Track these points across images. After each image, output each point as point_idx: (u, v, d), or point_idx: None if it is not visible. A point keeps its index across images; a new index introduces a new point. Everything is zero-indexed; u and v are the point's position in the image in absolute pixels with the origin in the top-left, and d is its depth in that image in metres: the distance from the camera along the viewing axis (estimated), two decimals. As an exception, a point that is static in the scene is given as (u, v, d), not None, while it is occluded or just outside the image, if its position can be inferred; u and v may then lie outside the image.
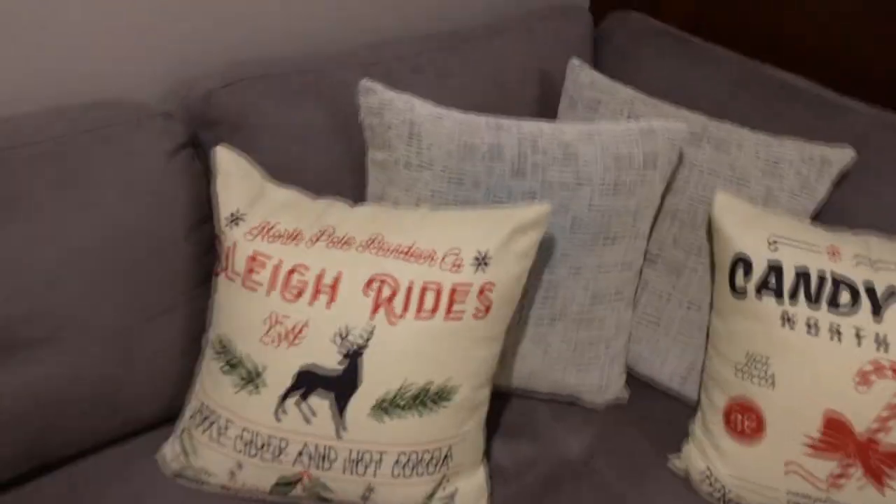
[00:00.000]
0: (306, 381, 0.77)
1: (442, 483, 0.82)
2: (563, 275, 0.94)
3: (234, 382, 0.79)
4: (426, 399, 0.77)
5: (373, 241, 0.80)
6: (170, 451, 0.84)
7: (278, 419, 0.77)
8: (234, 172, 0.87)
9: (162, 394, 0.90)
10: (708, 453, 0.90)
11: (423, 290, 0.78)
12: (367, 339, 0.77)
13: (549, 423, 1.02)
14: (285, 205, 0.86)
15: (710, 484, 0.90)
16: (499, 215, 0.83)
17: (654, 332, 1.04)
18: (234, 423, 0.79)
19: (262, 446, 0.77)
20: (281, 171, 0.93)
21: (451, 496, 0.83)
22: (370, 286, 0.78)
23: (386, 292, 0.78)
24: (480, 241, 0.80)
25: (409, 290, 0.78)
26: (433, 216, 0.84)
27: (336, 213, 0.85)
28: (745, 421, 0.86)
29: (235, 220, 0.84)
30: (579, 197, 0.91)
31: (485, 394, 0.84)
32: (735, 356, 0.88)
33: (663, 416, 1.03)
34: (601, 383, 1.01)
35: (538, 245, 0.84)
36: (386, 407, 0.77)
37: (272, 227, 0.82)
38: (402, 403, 0.77)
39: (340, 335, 0.77)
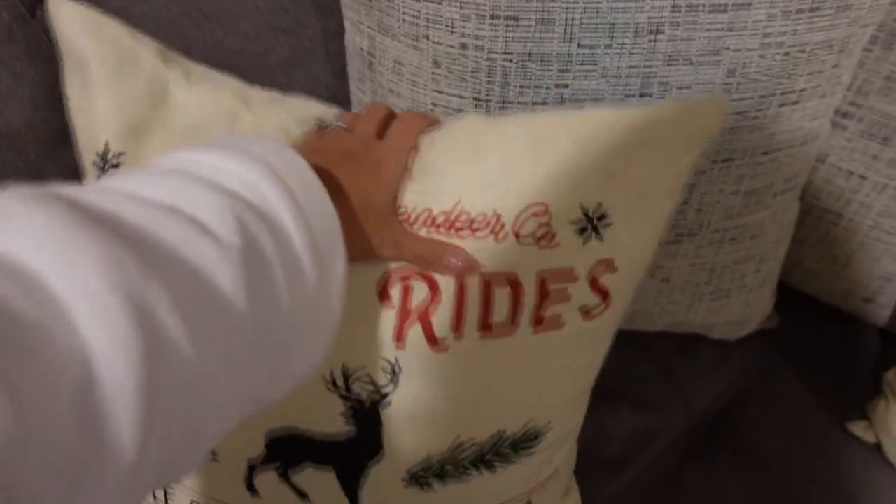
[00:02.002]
0: (286, 453, 0.43)
1: None
2: (703, 166, 0.55)
3: None
4: (498, 452, 0.43)
5: None
6: None
7: (255, 493, 0.45)
8: (96, 58, 0.42)
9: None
10: (928, 436, 0.58)
11: (487, 288, 0.39)
12: (391, 388, 0.40)
13: (661, 370, 0.69)
14: (209, 125, 0.42)
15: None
16: (621, 121, 0.39)
17: (829, 230, 0.66)
18: (177, 491, 0.47)
19: None
20: (184, 26, 0.50)
21: None
22: (389, 290, 0.39)
23: (418, 298, 0.39)
24: (586, 183, 0.39)
25: (461, 290, 0.39)
26: (491, 132, 0.41)
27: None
28: None
29: (108, 164, 0.42)
30: (745, 25, 0.48)
31: (585, 406, 0.50)
32: None
33: (830, 349, 0.70)
34: (742, 316, 0.66)
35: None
36: (431, 474, 0.43)
37: None
38: (458, 462, 0.43)
39: (335, 381, 0.40)
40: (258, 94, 0.45)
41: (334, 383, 0.40)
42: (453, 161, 0.39)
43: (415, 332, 0.39)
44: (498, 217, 0.38)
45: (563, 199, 0.38)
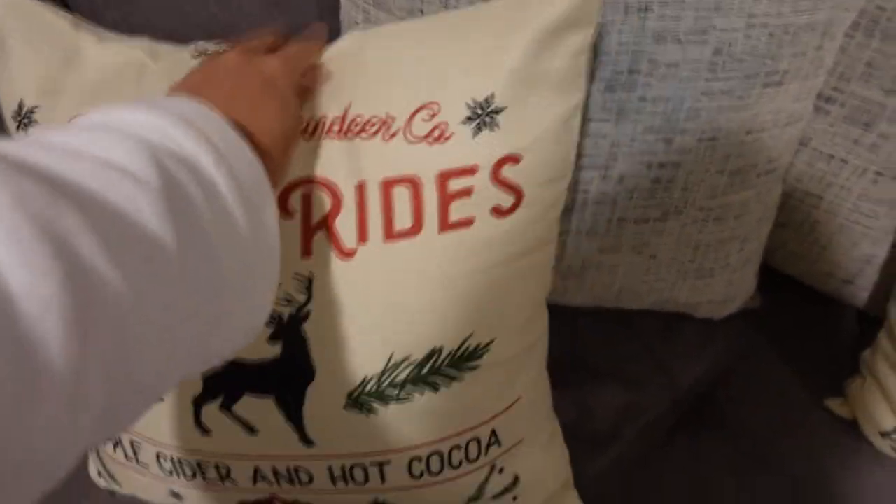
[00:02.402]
0: (222, 385, 0.44)
1: (490, 476, 0.52)
2: (689, 145, 0.56)
3: None
4: (438, 369, 0.44)
5: None
6: (93, 469, 0.56)
7: (205, 432, 0.46)
8: (11, 30, 0.45)
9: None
10: (904, 411, 0.59)
11: (387, 191, 0.40)
12: (307, 299, 0.42)
13: (646, 347, 0.71)
14: (119, 75, 0.45)
15: (901, 451, 0.61)
16: (498, 15, 0.42)
17: (811, 213, 0.68)
18: (143, 445, 0.48)
19: (194, 474, 0.48)
20: (179, 1, 0.51)
21: (510, 487, 0.54)
22: (288, 202, 0.41)
23: (320, 208, 0.41)
24: (473, 78, 0.41)
25: (361, 195, 0.40)
26: (374, 43, 0.43)
27: None
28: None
29: (23, 118, 0.45)
30: (731, 6, 0.50)
31: (538, 329, 0.51)
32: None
33: (811, 329, 0.72)
34: (726, 295, 0.68)
35: (589, 52, 0.43)
36: (370, 396, 0.44)
37: None
38: (396, 383, 0.44)
39: None
40: (167, 48, 0.47)
41: None
42: (341, 70, 0.41)
43: (321, 243, 0.40)
44: (391, 118, 0.40)
45: (452, 92, 0.40)
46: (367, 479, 0.48)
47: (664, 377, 0.69)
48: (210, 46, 0.42)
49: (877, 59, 0.59)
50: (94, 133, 0.25)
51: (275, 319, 0.43)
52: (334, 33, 0.61)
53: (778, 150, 0.59)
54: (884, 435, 0.61)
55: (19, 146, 0.23)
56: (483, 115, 0.40)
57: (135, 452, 0.49)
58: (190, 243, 0.25)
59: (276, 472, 0.48)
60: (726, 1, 0.49)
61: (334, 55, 0.43)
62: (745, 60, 0.52)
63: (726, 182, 0.59)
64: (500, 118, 0.40)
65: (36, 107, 0.44)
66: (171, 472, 0.49)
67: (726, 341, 0.71)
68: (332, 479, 0.48)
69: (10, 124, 0.46)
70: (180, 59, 0.45)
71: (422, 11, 0.51)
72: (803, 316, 0.73)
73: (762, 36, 0.51)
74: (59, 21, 0.46)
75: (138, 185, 0.24)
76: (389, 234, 0.41)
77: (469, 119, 0.40)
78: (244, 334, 0.31)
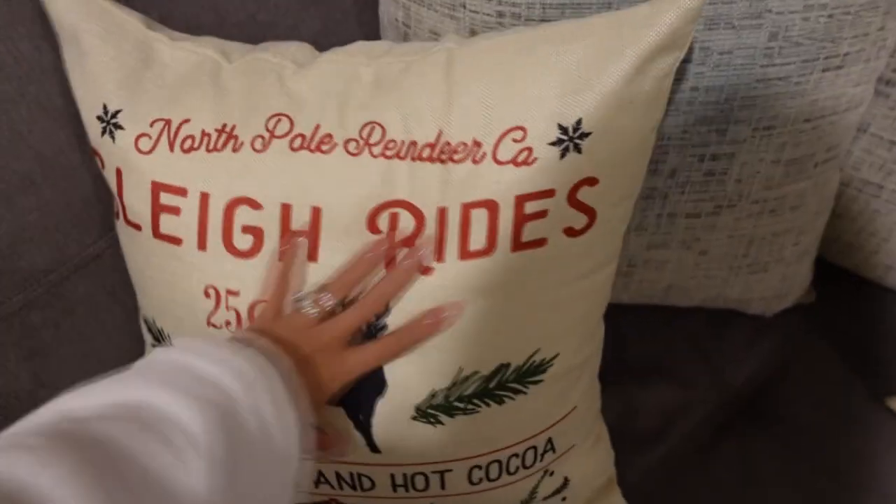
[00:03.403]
0: None
1: (543, 479, 0.52)
2: (744, 135, 0.54)
3: None
4: (504, 384, 0.44)
5: (370, 134, 0.41)
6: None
7: None
8: (86, 30, 0.45)
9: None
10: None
11: (466, 214, 0.40)
12: (385, 312, 0.42)
13: (695, 345, 0.69)
14: (196, 75, 0.44)
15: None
16: (594, 34, 0.40)
17: (870, 202, 0.65)
18: None
19: None
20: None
21: (560, 489, 0.54)
22: (376, 221, 0.41)
23: (405, 227, 0.41)
24: (564, 101, 0.39)
25: (442, 219, 0.40)
26: (465, 61, 0.42)
27: (294, 79, 0.43)
28: None
29: (109, 124, 0.44)
30: (788, -13, 0.47)
31: (597, 340, 0.50)
32: None
33: (868, 325, 0.69)
34: (780, 290, 0.65)
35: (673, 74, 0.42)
36: (437, 408, 0.44)
37: (179, 128, 0.43)
38: (464, 396, 0.44)
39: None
40: (237, 46, 0.47)
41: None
42: (432, 89, 0.41)
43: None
44: (480, 142, 0.39)
45: (539, 118, 0.39)
46: (427, 485, 0.48)
47: (712, 376, 0.67)
48: (308, 298, 0.42)
49: (942, 40, 0.56)
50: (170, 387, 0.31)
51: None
52: (373, 30, 0.60)
53: (837, 138, 0.57)
54: (952, 435, 0.59)
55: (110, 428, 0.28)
56: (571, 140, 0.39)
57: None
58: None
59: (339, 477, 0.48)
60: (784, -18, 0.47)
61: (426, 69, 0.42)
62: (802, 44, 0.49)
63: (782, 172, 0.56)
64: (585, 142, 0.40)
65: (119, 110, 0.44)
66: None
67: (779, 338, 0.69)
68: (394, 486, 0.48)
69: (94, 126, 0.45)
70: (253, 58, 0.45)
71: (464, 6, 0.49)
72: (860, 311, 0.70)
73: (821, 17, 0.48)
74: (132, 20, 0.46)
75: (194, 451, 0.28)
76: (464, 253, 0.41)
77: (557, 142, 0.39)
78: None
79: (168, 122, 0.43)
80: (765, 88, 0.51)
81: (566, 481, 0.54)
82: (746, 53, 0.50)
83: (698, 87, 0.51)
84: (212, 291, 0.44)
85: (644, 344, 0.68)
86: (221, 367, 0.33)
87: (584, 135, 0.39)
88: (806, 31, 0.49)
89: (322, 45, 0.48)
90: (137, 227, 0.45)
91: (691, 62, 0.50)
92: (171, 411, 0.29)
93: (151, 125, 0.43)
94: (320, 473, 0.49)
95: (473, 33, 0.51)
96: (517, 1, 0.49)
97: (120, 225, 0.48)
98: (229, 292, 0.44)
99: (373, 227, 0.41)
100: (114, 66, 0.44)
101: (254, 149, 0.42)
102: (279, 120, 0.42)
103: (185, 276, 0.44)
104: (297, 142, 0.42)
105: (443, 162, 0.40)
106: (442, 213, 0.40)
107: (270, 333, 0.40)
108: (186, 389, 0.30)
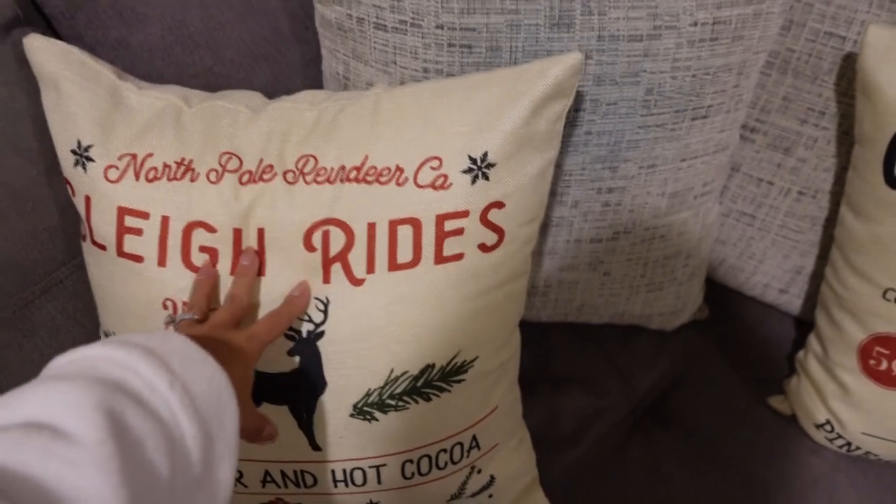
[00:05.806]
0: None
1: (471, 476, 0.59)
2: (632, 171, 0.64)
3: None
4: (430, 382, 0.51)
5: (304, 164, 0.49)
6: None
7: None
8: (65, 77, 0.52)
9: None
10: (831, 404, 0.66)
11: (393, 230, 0.48)
12: (323, 319, 0.49)
13: (606, 358, 0.77)
14: (159, 117, 0.51)
15: (831, 441, 0.67)
16: (497, 84, 0.50)
17: (746, 230, 0.76)
18: None
19: None
20: (176, 53, 0.59)
21: (487, 486, 0.61)
22: (311, 238, 0.48)
23: (336, 244, 0.48)
24: (473, 137, 0.48)
25: (371, 234, 0.48)
26: (390, 103, 0.50)
27: (245, 122, 0.51)
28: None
29: (82, 157, 0.51)
30: (657, 52, 0.58)
31: (513, 347, 0.58)
32: (884, 275, 0.61)
33: (754, 336, 0.79)
34: (675, 307, 0.75)
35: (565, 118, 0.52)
36: (372, 406, 0.51)
37: (143, 161, 0.50)
38: (395, 393, 0.51)
39: None
40: (197, 93, 0.55)
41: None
42: (359, 123, 0.49)
43: (337, 272, 0.48)
44: (402, 168, 0.48)
45: (453, 150, 0.48)
46: (365, 480, 0.54)
47: (623, 384, 0.76)
48: (184, 317, 0.47)
49: (791, 94, 0.68)
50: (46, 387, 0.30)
51: (295, 335, 0.49)
52: (317, 83, 0.68)
53: (710, 175, 0.68)
54: (818, 426, 0.68)
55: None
56: (479, 169, 0.48)
57: None
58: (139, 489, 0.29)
59: (284, 475, 0.54)
60: (653, 48, 0.58)
61: (358, 109, 0.50)
62: (673, 98, 0.60)
63: (667, 204, 0.67)
64: (491, 171, 0.48)
65: (91, 145, 0.50)
66: None
67: (679, 350, 0.78)
68: (335, 481, 0.54)
69: (68, 158, 0.52)
70: (211, 104, 0.52)
71: (395, 63, 0.59)
72: (746, 324, 0.80)
73: (686, 77, 0.59)
74: (104, 70, 0.53)
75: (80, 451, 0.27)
76: (393, 265, 0.48)
77: (468, 171, 0.48)
78: None
79: (134, 156, 0.50)
80: (646, 133, 0.62)
81: (492, 479, 0.60)
82: (629, 105, 0.60)
83: (591, 131, 0.61)
84: (169, 304, 0.50)
85: (563, 357, 0.77)
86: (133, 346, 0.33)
87: (491, 165, 0.48)
88: (675, 88, 0.60)
89: (272, 95, 0.56)
90: (102, 248, 0.51)
91: (584, 111, 0.60)
92: (61, 422, 0.28)
93: (119, 158, 0.50)
94: (266, 473, 0.54)
95: (403, 85, 0.60)
96: (439, 59, 0.58)
97: (86, 246, 0.54)
98: (185, 304, 0.50)
99: (308, 244, 0.48)
100: (88, 108, 0.51)
101: (209, 180, 0.49)
102: (230, 158, 0.50)
103: (145, 290, 0.50)
104: (245, 177, 0.49)
105: (368, 182, 0.48)
106: (371, 228, 0.48)
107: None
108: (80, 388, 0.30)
